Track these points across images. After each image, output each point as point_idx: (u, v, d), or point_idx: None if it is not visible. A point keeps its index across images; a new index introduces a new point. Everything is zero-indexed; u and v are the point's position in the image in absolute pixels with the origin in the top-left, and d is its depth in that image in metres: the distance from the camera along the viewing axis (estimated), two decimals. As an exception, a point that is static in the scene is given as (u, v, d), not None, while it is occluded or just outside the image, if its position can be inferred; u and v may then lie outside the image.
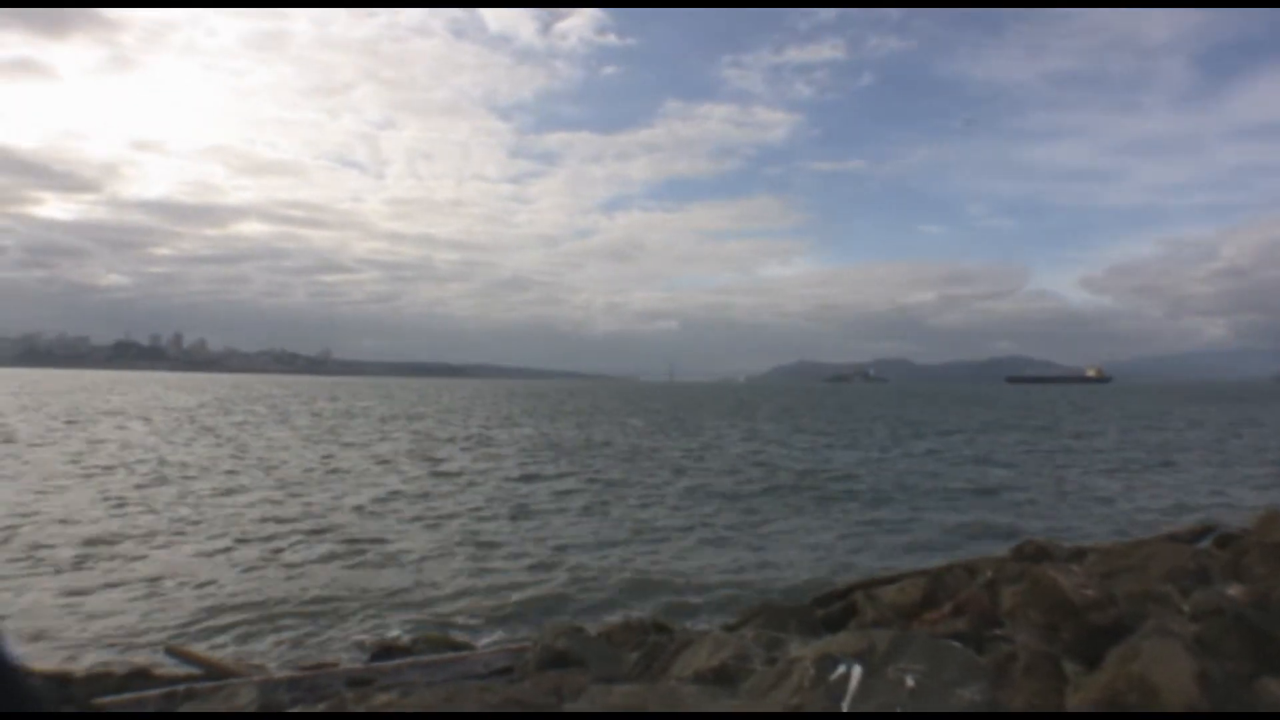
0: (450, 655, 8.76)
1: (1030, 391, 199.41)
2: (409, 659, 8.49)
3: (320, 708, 5.03)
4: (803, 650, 4.24)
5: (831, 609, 9.24)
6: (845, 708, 3.97)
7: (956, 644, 4.58)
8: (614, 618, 10.72)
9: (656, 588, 12.89)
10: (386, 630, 10.83)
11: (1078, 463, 30.83)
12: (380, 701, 4.78)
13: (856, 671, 4.11)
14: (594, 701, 3.82)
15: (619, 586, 12.96)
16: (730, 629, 8.99)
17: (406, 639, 10.38)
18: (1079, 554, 9.06)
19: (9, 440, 35.35)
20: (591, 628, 9.37)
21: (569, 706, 4.02)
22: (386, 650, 9.84)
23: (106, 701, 5.99)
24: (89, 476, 24.18)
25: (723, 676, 4.30)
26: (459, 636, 10.41)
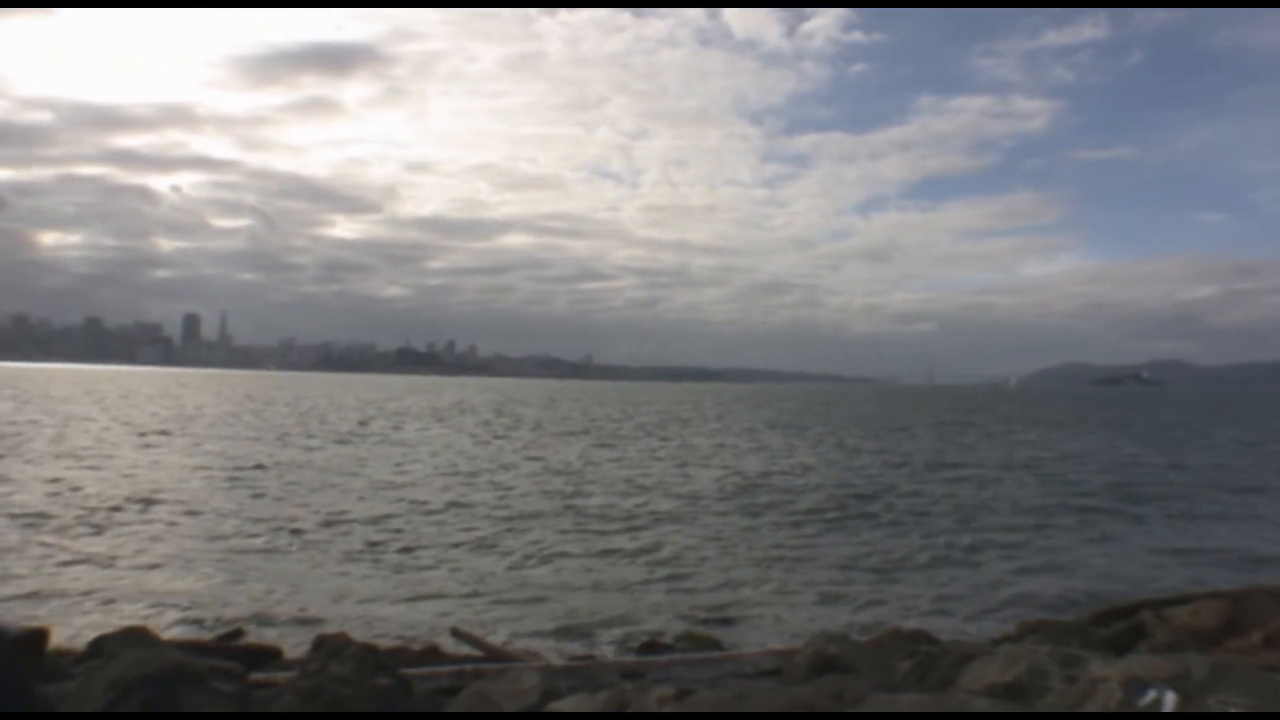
0: (719, 654, 8.83)
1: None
2: (678, 655, 8.65)
3: (600, 697, 5.19)
4: (1105, 670, 3.90)
5: (1115, 628, 8.54)
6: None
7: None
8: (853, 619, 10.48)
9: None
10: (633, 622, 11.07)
11: None
12: (658, 696, 4.87)
13: (1170, 698, 3.73)
14: (880, 708, 3.69)
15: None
16: (999, 643, 8.49)
17: (669, 636, 10.57)
18: None
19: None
20: (859, 635, 9.15)
21: (855, 712, 3.93)
22: (650, 646, 10.08)
23: (410, 672, 6.48)
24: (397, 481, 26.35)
25: (1017, 692, 4.04)
26: (719, 635, 10.49)
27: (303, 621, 10.69)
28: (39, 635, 6.41)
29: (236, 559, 14.09)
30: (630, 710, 4.78)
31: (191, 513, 17.89)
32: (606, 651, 9.88)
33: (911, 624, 10.15)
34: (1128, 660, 4.22)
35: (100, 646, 7.18)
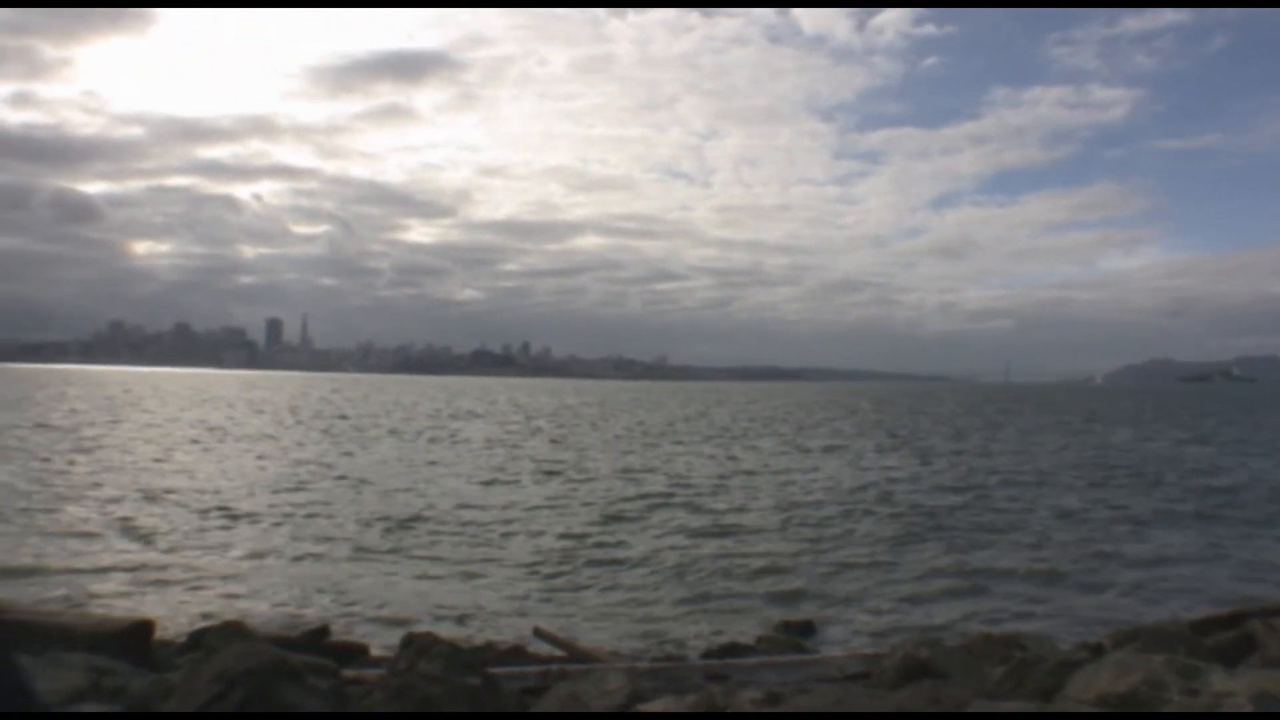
0: (805, 657, 8.72)
1: None
2: (763, 658, 8.56)
3: (689, 699, 5.13)
4: (1230, 684, 3.70)
5: (1220, 637, 8.17)
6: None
7: None
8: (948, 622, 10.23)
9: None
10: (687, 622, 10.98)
11: None
12: (748, 699, 4.80)
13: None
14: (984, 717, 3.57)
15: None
16: (1094, 649, 8.21)
17: (749, 638, 10.48)
18: None
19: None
20: (949, 639, 8.94)
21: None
22: (732, 648, 9.99)
23: (496, 671, 6.51)
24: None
25: (1131, 703, 3.86)
26: (800, 638, 10.37)
27: (386, 620, 10.87)
28: (145, 626, 6.61)
29: (328, 555, 14.42)
30: (720, 712, 4.72)
31: (314, 514, 18.35)
32: (687, 653, 9.83)
33: (1000, 629, 9.91)
34: (1258, 673, 4.00)
35: (200, 639, 7.39)
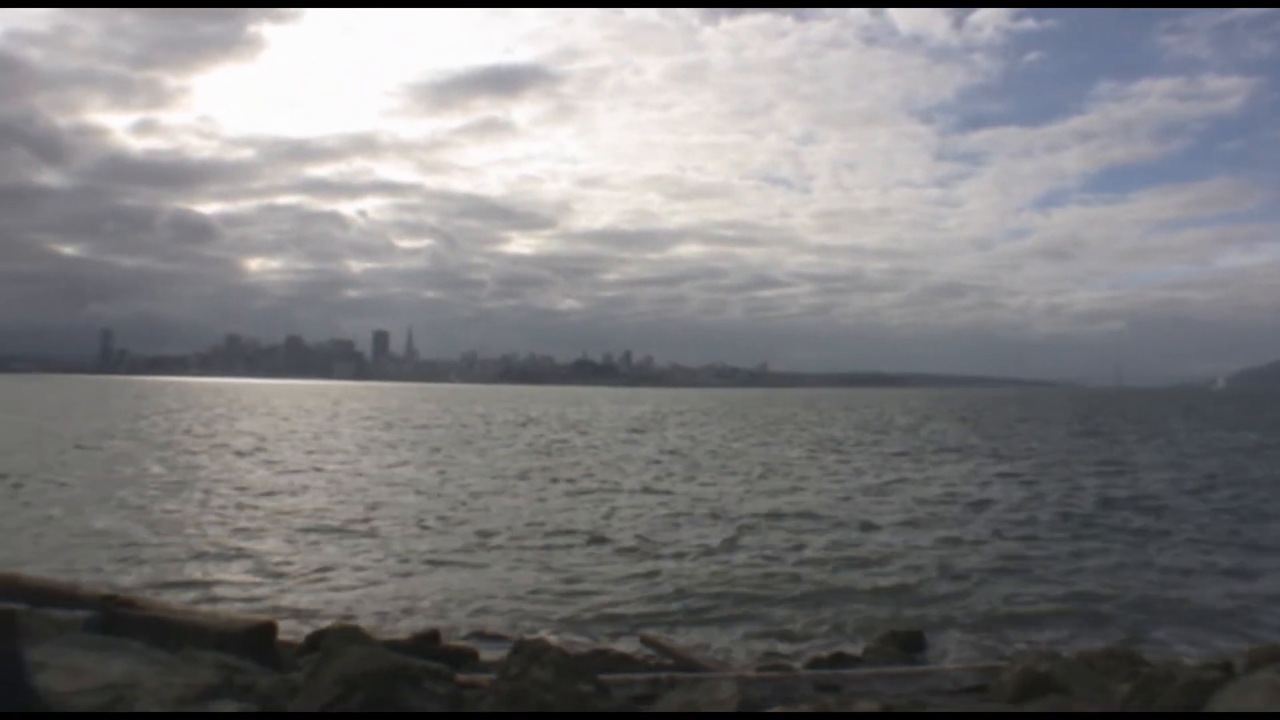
0: (917, 669, 8.52)
1: None
2: (874, 669, 8.39)
3: (802, 710, 5.07)
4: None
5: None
6: None
7: None
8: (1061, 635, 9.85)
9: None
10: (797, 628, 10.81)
11: None
12: (862, 710, 4.70)
13: None
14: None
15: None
16: (1223, 668, 7.80)
17: (856, 648, 10.30)
18: None
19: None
20: (1066, 652, 8.62)
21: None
22: (839, 658, 9.83)
23: (607, 679, 6.54)
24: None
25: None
26: (908, 650, 10.14)
27: (491, 625, 11.05)
28: (269, 628, 6.86)
29: (442, 561, 14.76)
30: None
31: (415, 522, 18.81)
32: (794, 662, 9.72)
33: (1115, 644, 9.53)
34: None
35: (318, 641, 7.62)
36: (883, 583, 13.51)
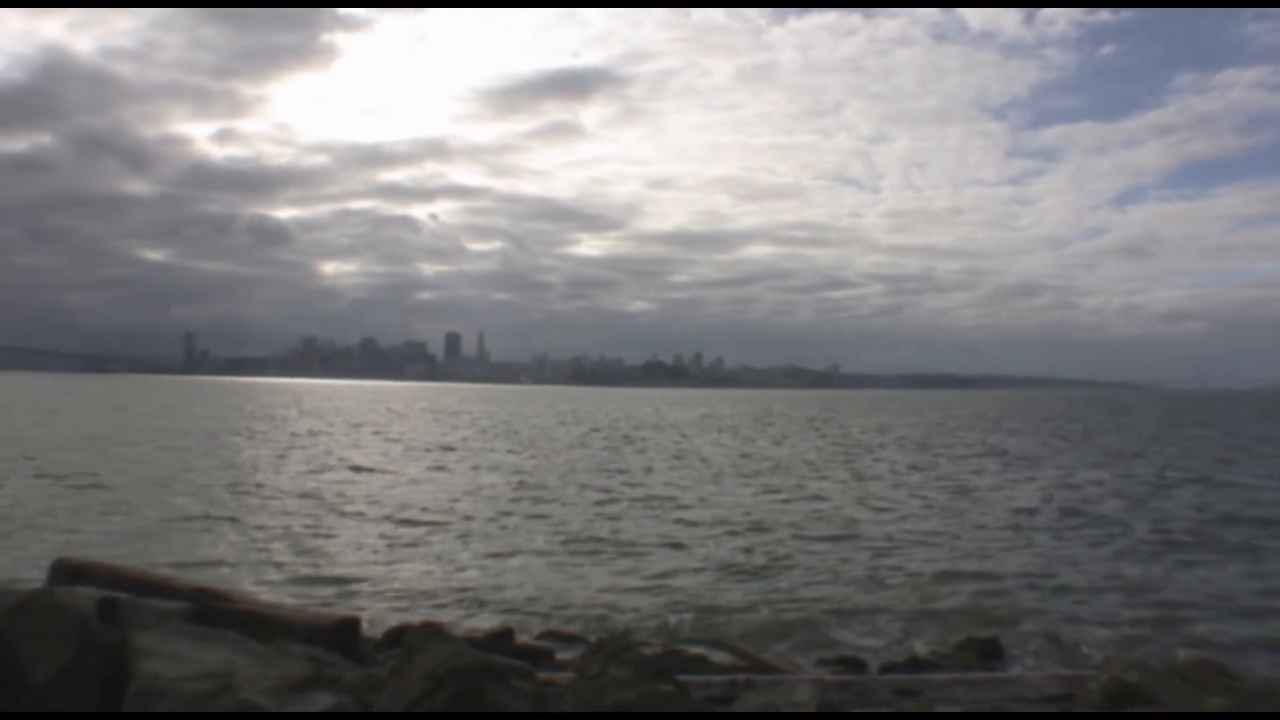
0: (997, 675, 8.39)
1: None
2: (954, 674, 8.27)
3: (883, 711, 5.03)
4: None
5: None
6: None
7: None
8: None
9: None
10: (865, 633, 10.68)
11: None
12: (945, 710, 4.65)
13: None
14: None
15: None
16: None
17: (927, 651, 10.17)
18: None
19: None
20: (1156, 662, 8.39)
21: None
22: (914, 662, 9.70)
23: (685, 679, 6.56)
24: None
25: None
26: (984, 656, 9.96)
27: (565, 623, 11.15)
28: (353, 623, 7.04)
29: (517, 557, 14.98)
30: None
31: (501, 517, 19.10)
32: (868, 665, 9.63)
33: (1204, 655, 9.23)
34: None
35: (398, 637, 7.79)
36: (960, 588, 13.32)
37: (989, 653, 10.19)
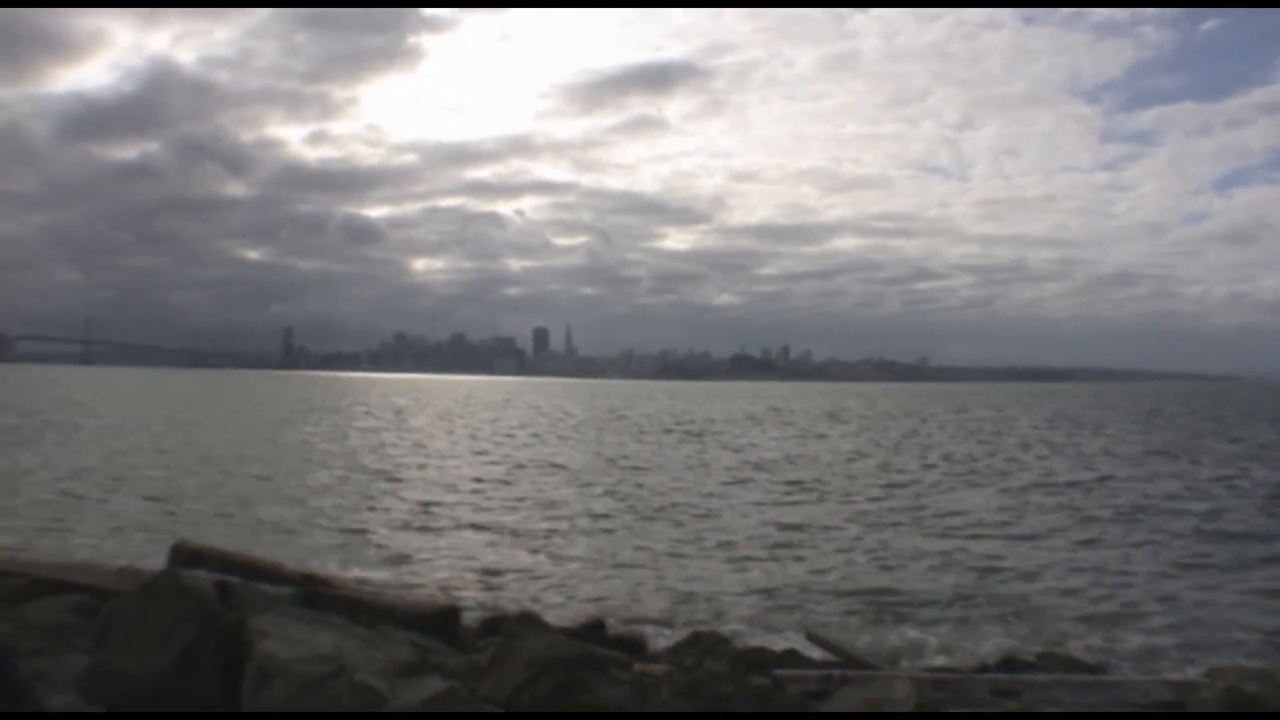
0: (1102, 678, 8.16)
1: None
2: (1055, 676, 8.07)
3: (984, 711, 4.94)
4: None
5: None
6: None
7: None
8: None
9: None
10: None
11: None
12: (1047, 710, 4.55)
13: None
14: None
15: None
16: None
17: (1029, 653, 9.93)
18: None
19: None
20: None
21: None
22: (1010, 662, 9.48)
23: (780, 673, 6.56)
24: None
25: None
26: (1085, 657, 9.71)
27: (648, 615, 11.23)
28: (454, 611, 7.22)
29: (611, 546, 15.21)
30: None
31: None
32: (961, 665, 9.46)
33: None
34: None
35: (496, 625, 7.95)
36: (1057, 585, 13.00)
37: (1091, 656, 9.94)
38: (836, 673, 7.24)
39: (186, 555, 7.58)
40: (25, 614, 6.50)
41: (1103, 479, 26.45)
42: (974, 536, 16.80)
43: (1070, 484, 25.14)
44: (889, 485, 24.58)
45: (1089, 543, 16.37)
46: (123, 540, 14.60)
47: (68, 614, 6.53)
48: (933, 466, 30.30)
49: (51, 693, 4.75)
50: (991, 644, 10.43)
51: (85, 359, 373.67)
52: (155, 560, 8.79)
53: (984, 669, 9.16)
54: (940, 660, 9.87)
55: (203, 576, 5.91)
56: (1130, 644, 10.52)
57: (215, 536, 12.10)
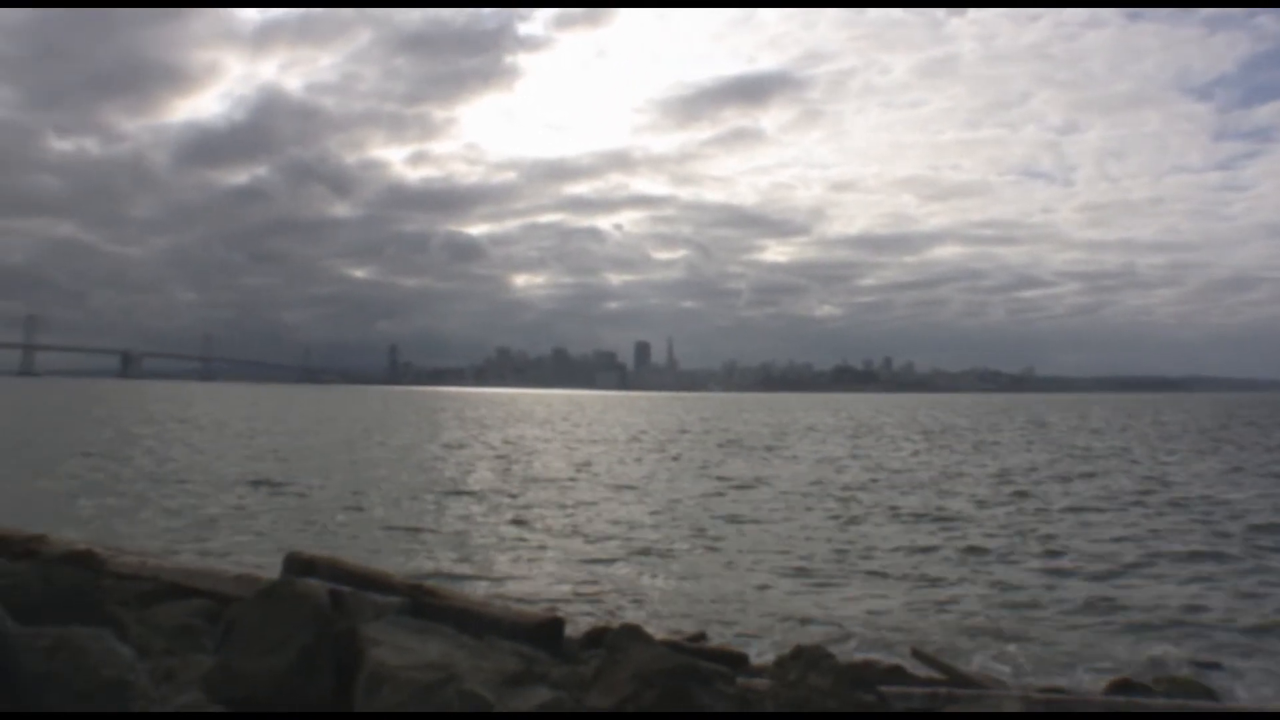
0: (1221, 706, 7.81)
1: None
2: (1170, 699, 7.75)
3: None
4: None
5: None
6: None
7: None
8: None
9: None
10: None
11: None
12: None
13: None
14: None
15: None
16: None
17: (1148, 678, 9.54)
18: None
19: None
20: None
21: None
22: (1124, 685, 9.13)
23: (886, 690, 6.46)
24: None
25: None
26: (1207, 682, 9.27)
27: (746, 629, 11.16)
28: (558, 623, 7.32)
29: (712, 562, 15.15)
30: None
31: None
32: (1073, 686, 9.15)
33: None
34: None
35: (599, 637, 8.01)
36: (1174, 602, 12.50)
37: (1207, 681, 9.50)
38: (943, 690, 7.09)
39: (300, 564, 7.87)
40: (155, 616, 6.88)
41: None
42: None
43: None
44: (1015, 495, 23.94)
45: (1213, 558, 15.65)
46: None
47: (193, 617, 6.90)
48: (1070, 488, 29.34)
49: (178, 692, 5.01)
50: (1110, 670, 10.06)
51: (205, 375, 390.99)
52: (270, 570, 9.18)
53: (1100, 690, 8.86)
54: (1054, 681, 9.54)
55: (316, 585, 6.13)
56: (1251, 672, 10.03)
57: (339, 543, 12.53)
